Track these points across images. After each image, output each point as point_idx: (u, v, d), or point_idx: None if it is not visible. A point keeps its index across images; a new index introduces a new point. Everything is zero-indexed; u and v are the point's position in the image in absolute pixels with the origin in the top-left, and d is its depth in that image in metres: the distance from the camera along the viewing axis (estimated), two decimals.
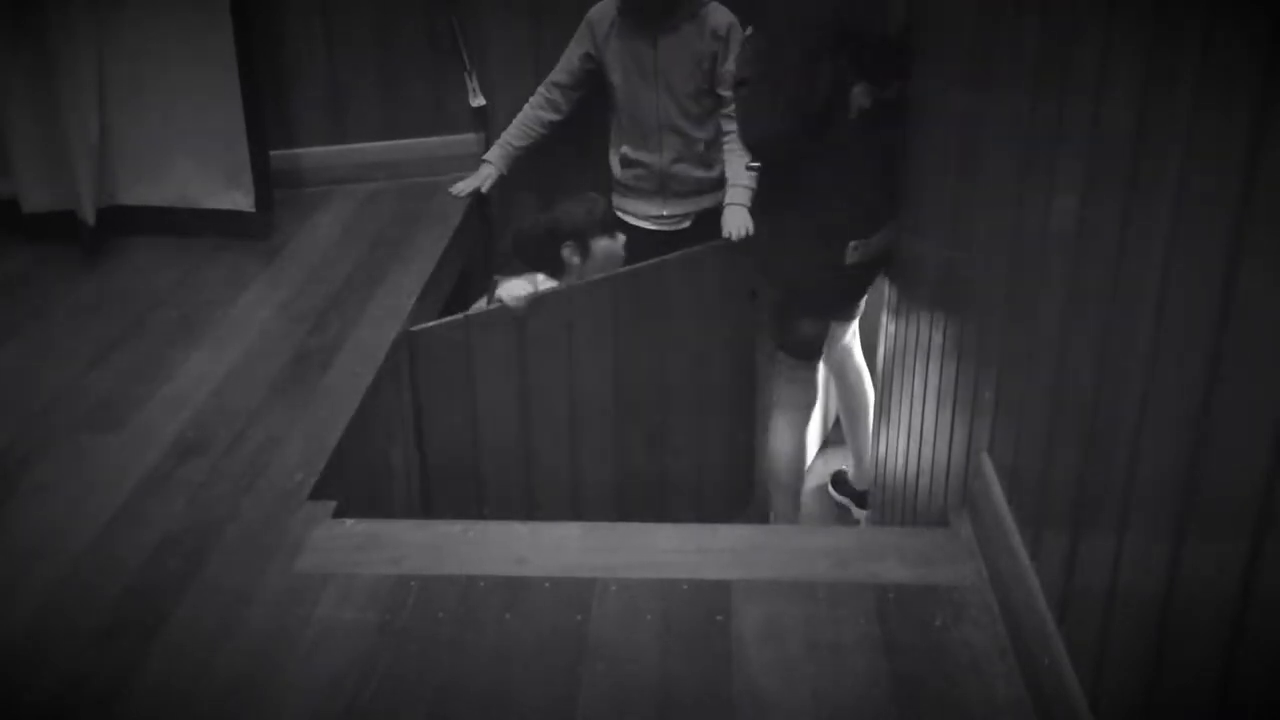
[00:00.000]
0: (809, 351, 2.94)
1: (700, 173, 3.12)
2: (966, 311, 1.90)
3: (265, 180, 3.01)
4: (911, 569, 1.67)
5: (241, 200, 3.00)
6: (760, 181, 2.85)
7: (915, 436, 2.30)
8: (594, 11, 3.08)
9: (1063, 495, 1.34)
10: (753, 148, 2.80)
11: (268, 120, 3.01)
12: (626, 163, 3.11)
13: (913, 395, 2.34)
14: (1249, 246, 0.89)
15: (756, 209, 2.90)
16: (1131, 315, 1.13)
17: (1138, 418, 1.11)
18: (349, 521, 1.82)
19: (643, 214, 3.14)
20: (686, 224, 3.18)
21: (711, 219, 3.07)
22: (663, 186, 3.11)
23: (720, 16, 3.00)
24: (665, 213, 3.15)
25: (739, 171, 2.97)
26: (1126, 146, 1.15)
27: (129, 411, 2.18)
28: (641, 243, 3.08)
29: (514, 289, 2.70)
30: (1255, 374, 0.88)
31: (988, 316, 1.75)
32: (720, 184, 3.09)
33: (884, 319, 2.92)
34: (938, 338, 2.11)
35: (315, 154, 3.33)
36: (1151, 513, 1.08)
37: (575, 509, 2.84)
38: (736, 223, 2.93)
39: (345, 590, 1.65)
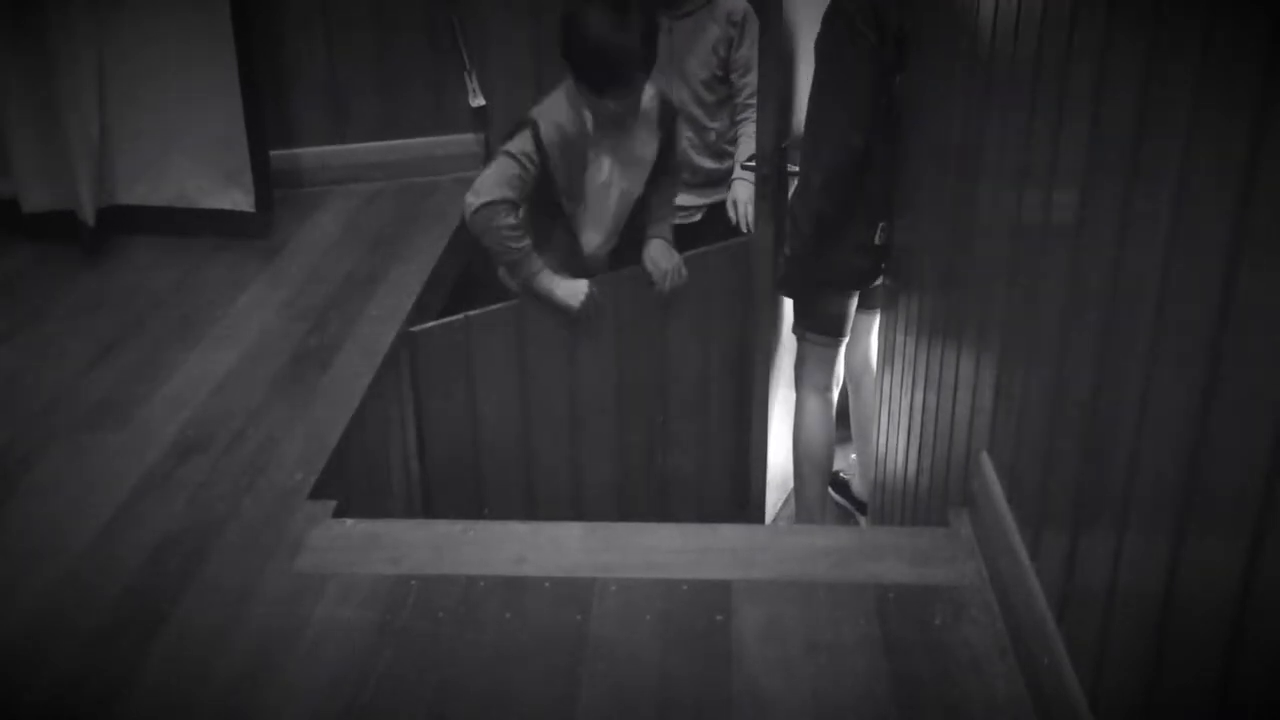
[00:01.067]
0: (836, 328, 2.94)
1: (712, 164, 3.10)
2: (966, 310, 1.90)
3: (265, 180, 3.01)
4: (911, 568, 1.67)
5: (241, 200, 3.00)
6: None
7: (914, 435, 2.30)
8: None
9: (1063, 495, 1.34)
10: (829, 168, 2.65)
11: (267, 120, 3.01)
12: None
13: (912, 394, 2.34)
14: (1249, 246, 0.89)
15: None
16: (1131, 315, 1.13)
17: (1138, 418, 1.11)
18: (349, 521, 1.82)
19: None
20: (698, 216, 3.16)
21: (723, 211, 3.06)
22: None
23: (736, 1, 2.97)
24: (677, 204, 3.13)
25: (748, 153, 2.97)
26: (1126, 146, 1.15)
27: (129, 411, 2.18)
28: None
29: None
30: (1255, 374, 0.88)
31: (987, 315, 1.75)
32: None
33: (883, 318, 2.92)
34: (937, 336, 2.11)
35: (315, 154, 3.33)
36: (1151, 513, 1.08)
37: (575, 509, 2.84)
38: (745, 197, 2.92)
39: (345, 590, 1.65)
